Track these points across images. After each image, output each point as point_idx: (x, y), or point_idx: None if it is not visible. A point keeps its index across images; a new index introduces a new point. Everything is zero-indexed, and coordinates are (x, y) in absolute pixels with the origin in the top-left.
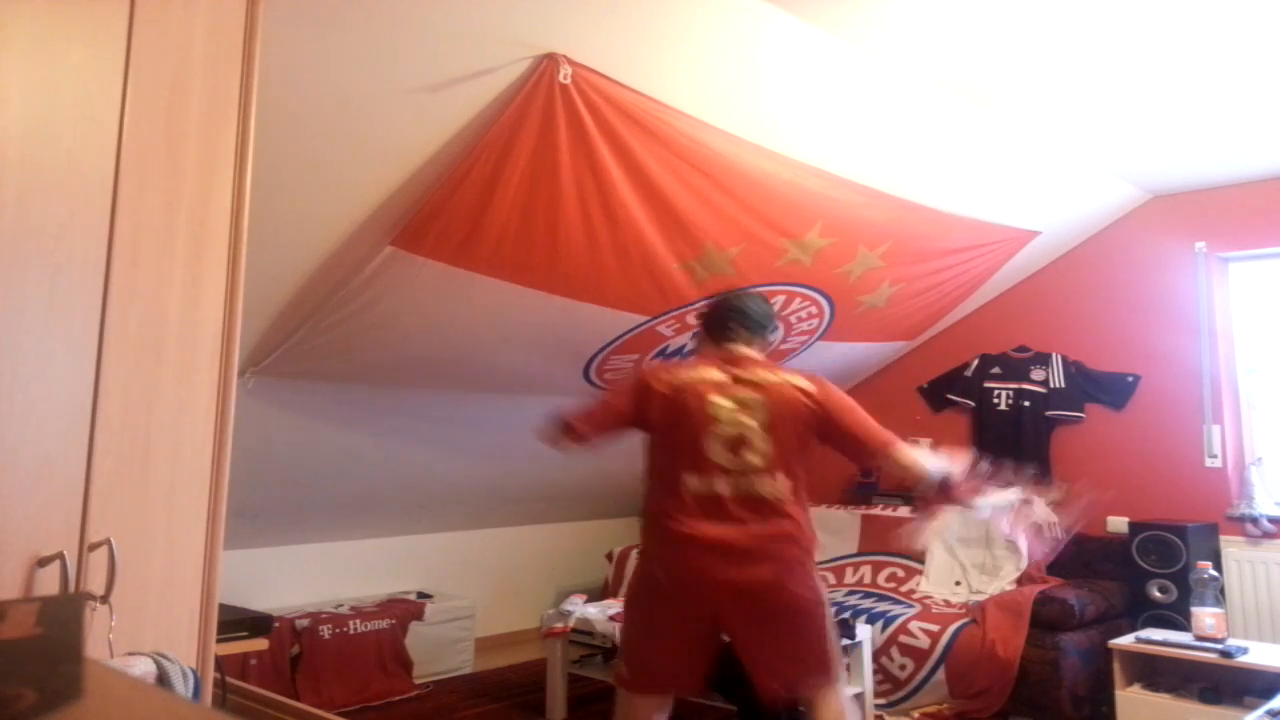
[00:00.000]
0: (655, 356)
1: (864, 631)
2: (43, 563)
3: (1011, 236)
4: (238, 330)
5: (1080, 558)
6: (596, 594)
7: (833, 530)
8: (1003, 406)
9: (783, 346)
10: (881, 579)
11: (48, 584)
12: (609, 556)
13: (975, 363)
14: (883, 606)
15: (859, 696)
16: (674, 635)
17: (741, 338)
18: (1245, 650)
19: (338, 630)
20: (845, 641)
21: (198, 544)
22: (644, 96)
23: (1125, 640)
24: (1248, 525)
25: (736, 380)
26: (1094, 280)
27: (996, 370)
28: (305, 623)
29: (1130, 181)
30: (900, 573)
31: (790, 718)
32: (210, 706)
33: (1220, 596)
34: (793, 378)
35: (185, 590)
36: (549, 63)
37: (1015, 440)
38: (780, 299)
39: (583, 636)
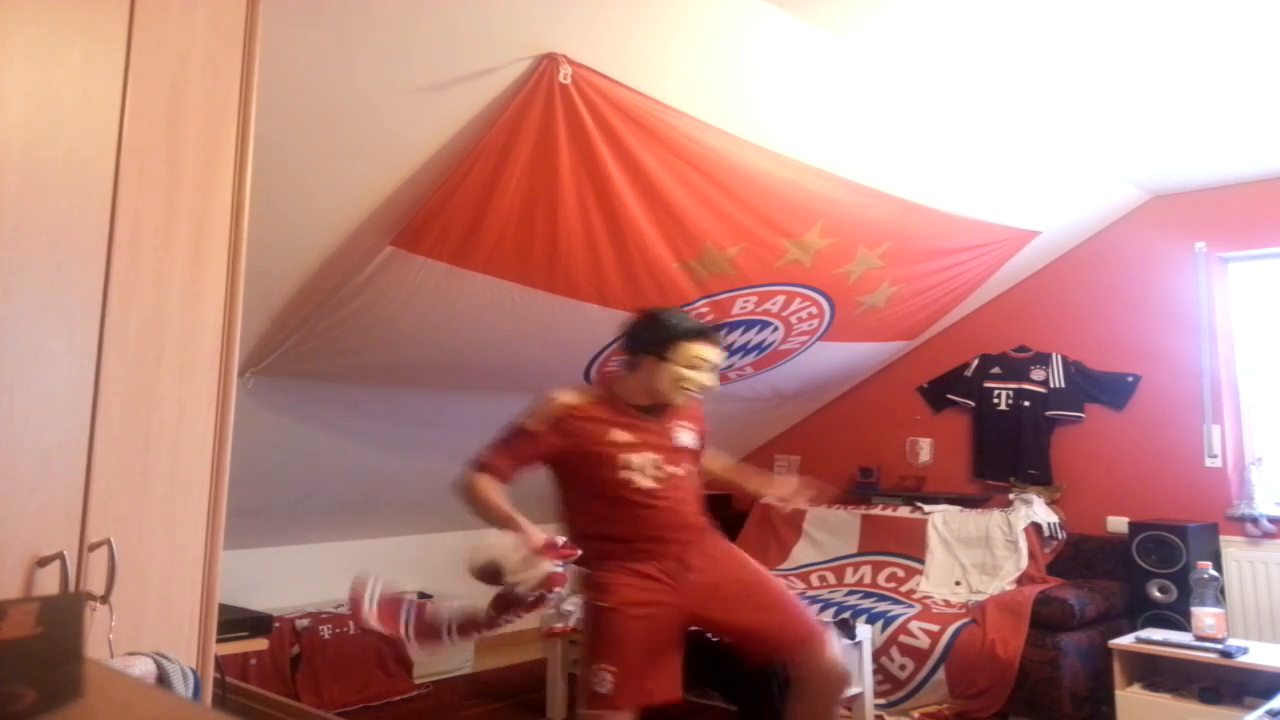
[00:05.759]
0: None
1: (864, 631)
2: (43, 563)
3: (1011, 236)
4: (238, 330)
5: (1080, 558)
6: None
7: (833, 530)
8: (1003, 406)
9: (782, 347)
10: (881, 579)
11: (48, 584)
12: None
13: (975, 363)
14: (883, 606)
15: (859, 696)
16: None
17: None
18: (1245, 650)
19: (338, 630)
20: (845, 641)
21: (198, 544)
22: (644, 96)
23: (1125, 640)
24: (1248, 525)
25: None
26: (1094, 280)
27: (996, 370)
28: (305, 623)
29: (1130, 181)
30: (900, 573)
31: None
32: (210, 706)
33: (1220, 596)
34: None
35: (185, 590)
36: (549, 63)
37: (1015, 440)
38: (780, 299)
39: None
